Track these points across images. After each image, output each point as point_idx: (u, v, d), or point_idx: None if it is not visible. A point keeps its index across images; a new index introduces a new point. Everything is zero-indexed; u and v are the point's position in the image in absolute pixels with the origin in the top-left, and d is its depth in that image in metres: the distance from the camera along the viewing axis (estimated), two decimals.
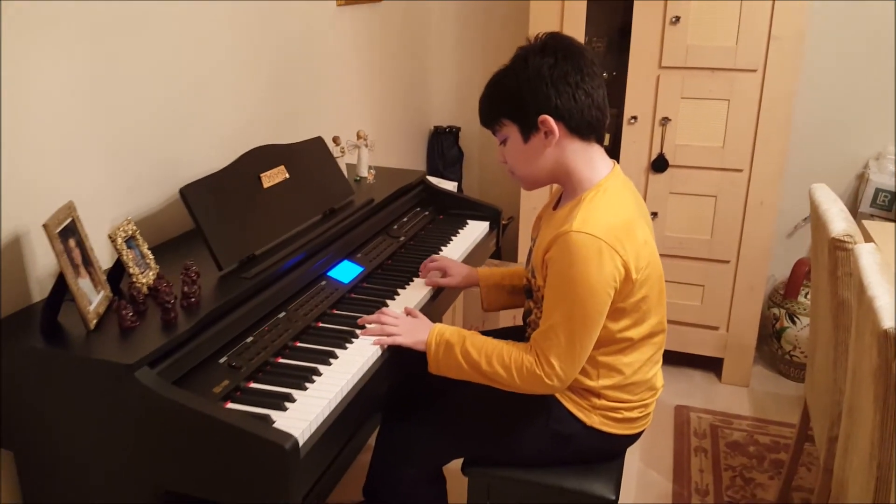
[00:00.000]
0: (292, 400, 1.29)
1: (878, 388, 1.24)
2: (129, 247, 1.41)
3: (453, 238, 2.14)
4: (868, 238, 2.14)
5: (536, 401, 1.54)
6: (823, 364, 1.84)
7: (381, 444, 1.75)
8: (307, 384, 1.35)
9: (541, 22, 2.74)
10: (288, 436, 1.15)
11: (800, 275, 2.92)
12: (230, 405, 1.26)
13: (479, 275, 1.86)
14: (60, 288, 1.28)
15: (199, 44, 1.79)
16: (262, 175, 1.70)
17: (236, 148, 1.77)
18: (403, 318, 1.58)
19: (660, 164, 2.74)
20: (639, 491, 2.35)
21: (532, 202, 2.90)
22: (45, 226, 1.23)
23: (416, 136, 3.38)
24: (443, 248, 2.06)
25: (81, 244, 1.33)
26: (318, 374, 1.39)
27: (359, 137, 2.25)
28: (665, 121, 2.70)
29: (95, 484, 1.32)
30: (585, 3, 2.70)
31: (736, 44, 2.56)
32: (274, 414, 1.25)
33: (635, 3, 2.64)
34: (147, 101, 1.64)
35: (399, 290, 1.77)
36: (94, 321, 1.29)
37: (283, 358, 1.44)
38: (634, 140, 2.76)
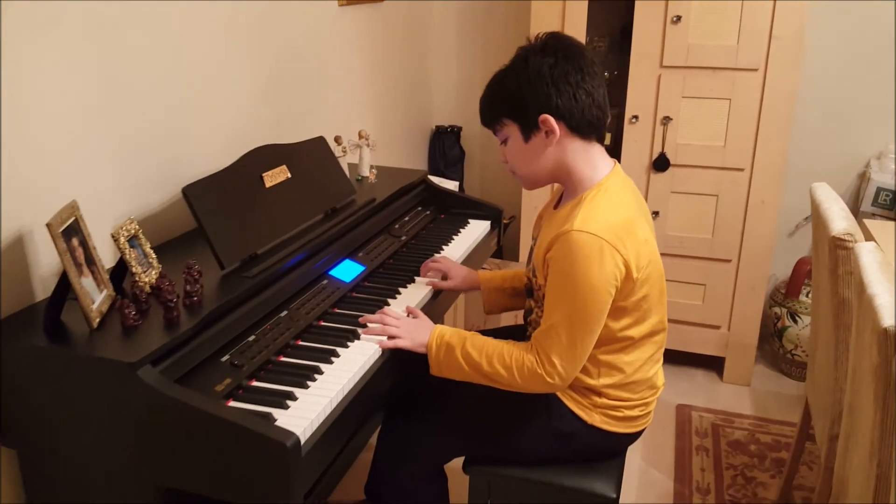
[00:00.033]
0: (294, 398, 1.30)
1: (878, 386, 1.24)
2: (131, 246, 1.41)
3: (454, 237, 2.14)
4: (869, 237, 2.14)
5: (537, 399, 1.54)
6: (824, 363, 1.84)
7: (383, 443, 1.76)
8: (309, 383, 1.35)
9: (542, 22, 2.74)
10: (290, 434, 1.15)
11: (801, 274, 2.92)
12: (232, 403, 1.27)
13: (479, 278, 1.86)
14: (63, 287, 1.29)
15: (201, 44, 1.79)
16: (264, 175, 1.70)
17: (238, 147, 1.77)
18: (405, 319, 1.59)
19: (661, 164, 2.74)
20: (640, 490, 2.36)
21: (533, 201, 2.91)
22: (48, 225, 1.24)
23: (417, 135, 3.39)
24: (444, 247, 2.06)
25: (84, 243, 1.34)
26: (320, 372, 1.39)
27: (360, 137, 2.25)
28: (666, 120, 2.71)
29: (98, 481, 1.33)
30: (587, 2, 2.70)
31: (737, 43, 2.57)
32: (276, 412, 1.25)
33: (636, 2, 2.64)
34: (150, 101, 1.65)
35: (400, 290, 1.77)
36: (97, 320, 1.30)
37: (284, 356, 1.44)
38: (636, 139, 2.77)
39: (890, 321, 1.20)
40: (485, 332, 1.60)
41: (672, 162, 2.74)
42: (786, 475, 2.22)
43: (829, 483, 1.73)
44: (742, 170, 2.69)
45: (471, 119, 3.43)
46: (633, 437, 1.64)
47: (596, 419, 1.56)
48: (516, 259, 3.24)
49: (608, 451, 1.64)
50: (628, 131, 2.77)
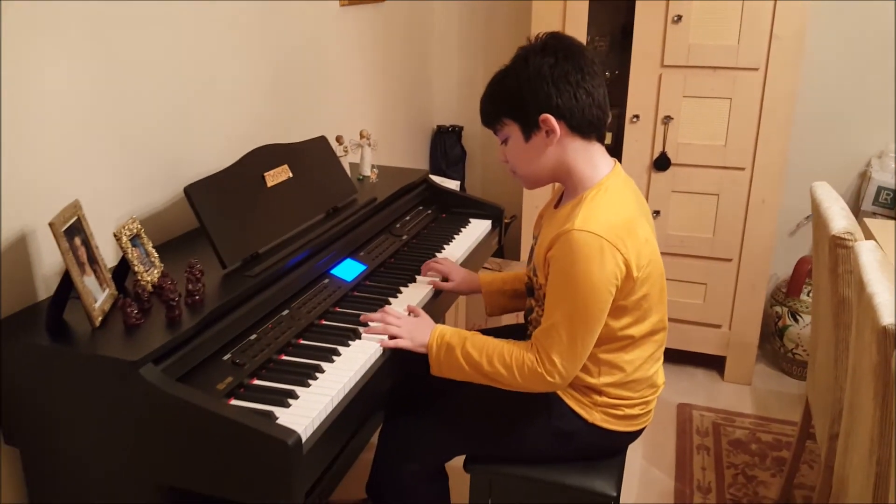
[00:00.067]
0: (295, 397, 1.30)
1: (877, 384, 1.25)
2: (133, 245, 1.42)
3: (455, 237, 2.15)
4: (869, 236, 2.15)
5: (538, 398, 1.55)
6: (824, 362, 1.84)
7: (384, 442, 1.76)
8: (310, 381, 1.36)
9: (543, 21, 2.75)
10: (291, 432, 1.16)
11: (802, 273, 2.92)
12: (234, 402, 1.27)
13: (480, 281, 1.87)
14: (66, 286, 1.30)
15: (203, 44, 1.80)
16: (265, 174, 1.71)
17: (240, 147, 1.78)
18: (406, 318, 1.59)
19: (662, 163, 2.75)
20: (641, 489, 2.36)
21: (534, 201, 2.91)
22: (51, 224, 1.24)
23: (418, 135, 3.39)
24: (445, 246, 2.07)
25: (87, 242, 1.35)
26: (321, 371, 1.40)
27: (362, 136, 2.26)
28: (667, 119, 2.71)
29: (100, 479, 1.33)
30: (587, 2, 2.71)
31: (738, 43, 2.57)
32: (277, 410, 1.26)
33: (637, 2, 2.64)
34: (152, 100, 1.65)
35: (401, 289, 1.77)
36: (100, 318, 1.30)
37: (286, 355, 1.45)
38: (637, 139, 2.77)
39: (889, 319, 1.20)
40: (486, 332, 1.61)
41: (673, 161, 2.74)
42: (786, 474, 2.22)
43: (829, 482, 1.73)
44: (743, 169, 2.69)
45: (472, 118, 3.44)
46: (633, 436, 1.64)
47: (596, 418, 1.57)
48: (517, 258, 3.24)
49: (609, 449, 1.64)
50: (629, 131, 2.77)
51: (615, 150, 2.79)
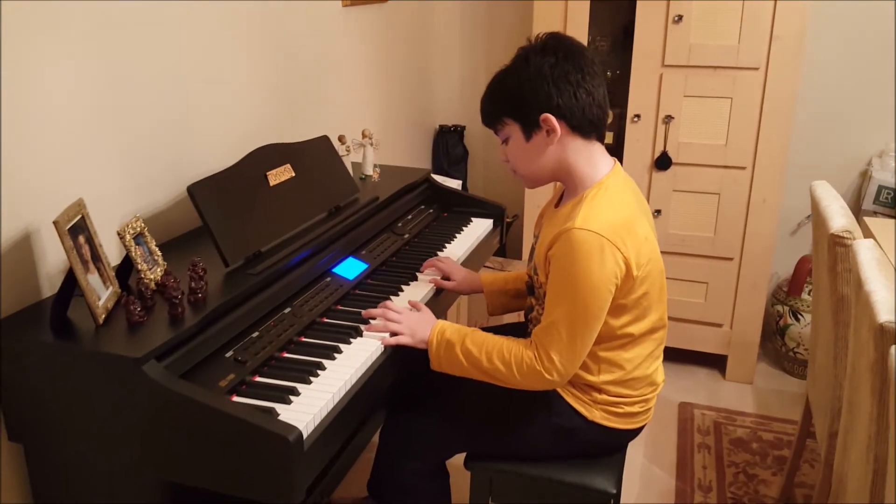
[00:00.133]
0: (297, 394, 1.31)
1: (875, 381, 1.26)
2: (137, 243, 1.43)
3: (457, 235, 2.16)
4: (869, 234, 2.15)
5: (538, 395, 1.55)
6: (824, 360, 1.85)
7: (385, 440, 1.77)
8: (312, 378, 1.36)
9: (544, 21, 2.75)
10: (292, 428, 1.16)
11: (803, 272, 2.92)
12: (236, 398, 1.28)
13: (482, 281, 1.87)
14: (70, 283, 1.31)
15: (206, 43, 1.81)
16: (268, 173, 1.72)
17: (243, 146, 1.79)
18: (407, 313, 1.60)
19: (663, 162, 2.75)
20: (642, 487, 2.37)
21: (536, 200, 2.92)
22: (55, 222, 1.25)
23: (420, 134, 3.40)
24: (447, 245, 2.08)
25: (91, 241, 1.36)
26: (323, 368, 1.40)
27: (364, 136, 2.27)
28: (668, 119, 2.71)
29: (103, 475, 1.34)
30: (589, 2, 2.71)
31: (738, 42, 2.57)
32: (279, 407, 1.26)
33: (638, 2, 2.65)
34: (156, 100, 1.66)
35: (403, 287, 1.78)
36: (103, 316, 1.31)
37: (288, 353, 1.46)
38: (638, 138, 2.78)
39: (886, 316, 1.21)
40: (486, 329, 1.61)
41: (674, 160, 2.75)
42: (787, 473, 2.22)
43: (829, 480, 1.74)
44: (744, 168, 2.69)
45: (474, 118, 3.41)
46: (633, 433, 1.65)
47: (596, 415, 1.57)
48: (519, 257, 3.25)
49: (609, 446, 1.65)
50: (630, 130, 2.78)
51: (616, 150, 2.80)
